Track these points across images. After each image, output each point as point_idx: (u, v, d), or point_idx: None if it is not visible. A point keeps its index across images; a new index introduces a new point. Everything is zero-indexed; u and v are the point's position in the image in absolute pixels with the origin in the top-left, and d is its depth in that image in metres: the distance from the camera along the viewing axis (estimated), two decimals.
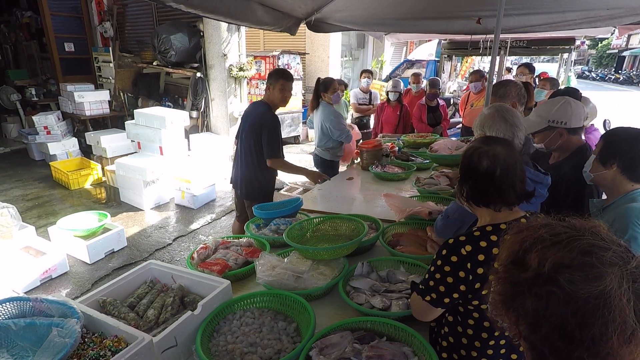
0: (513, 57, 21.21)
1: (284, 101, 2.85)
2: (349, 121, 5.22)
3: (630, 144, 1.51)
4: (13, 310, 1.27)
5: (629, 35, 30.04)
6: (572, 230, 0.63)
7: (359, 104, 5.39)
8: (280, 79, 2.78)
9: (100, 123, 6.98)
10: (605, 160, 1.56)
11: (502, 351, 1.23)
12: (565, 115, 1.89)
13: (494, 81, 3.10)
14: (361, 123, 5.39)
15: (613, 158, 1.53)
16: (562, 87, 4.68)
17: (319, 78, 3.80)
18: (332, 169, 3.76)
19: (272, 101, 2.84)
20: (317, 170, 3.92)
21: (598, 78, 32.72)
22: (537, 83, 4.92)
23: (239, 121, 3.10)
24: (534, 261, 0.61)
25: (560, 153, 2.03)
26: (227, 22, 5.20)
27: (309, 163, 5.93)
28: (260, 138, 2.80)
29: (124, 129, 5.59)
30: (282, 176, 6.22)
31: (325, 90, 3.63)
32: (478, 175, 1.19)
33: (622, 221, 1.45)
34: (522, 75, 4.92)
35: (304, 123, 8.67)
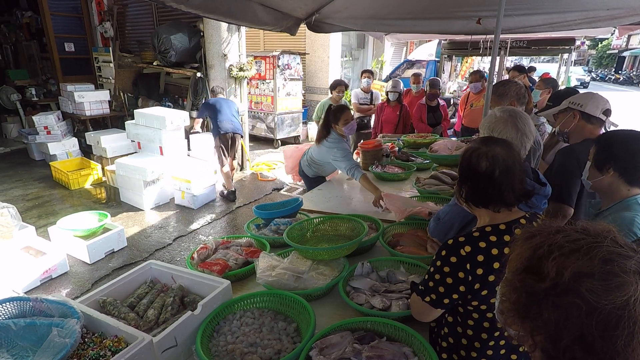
0: (513, 57, 21.19)
1: None
2: None
3: (624, 146, 1.48)
4: (13, 310, 1.27)
5: (629, 36, 30.07)
6: (589, 236, 0.60)
7: (360, 104, 5.39)
8: None
9: (100, 123, 6.98)
10: (600, 165, 1.52)
11: (502, 351, 1.23)
12: (584, 99, 1.96)
13: (494, 81, 3.10)
14: (362, 123, 5.39)
15: (608, 163, 1.50)
16: (562, 87, 4.67)
17: (330, 105, 3.33)
18: (315, 183, 3.41)
19: None
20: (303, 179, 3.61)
21: (598, 78, 32.70)
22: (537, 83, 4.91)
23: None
24: (551, 270, 0.58)
25: (572, 139, 2.02)
26: (227, 22, 5.20)
27: None
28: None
29: (124, 129, 5.60)
30: (282, 176, 6.23)
31: (335, 121, 3.03)
32: (477, 176, 1.19)
33: None
34: (514, 79, 4.90)
35: (304, 123, 8.68)
